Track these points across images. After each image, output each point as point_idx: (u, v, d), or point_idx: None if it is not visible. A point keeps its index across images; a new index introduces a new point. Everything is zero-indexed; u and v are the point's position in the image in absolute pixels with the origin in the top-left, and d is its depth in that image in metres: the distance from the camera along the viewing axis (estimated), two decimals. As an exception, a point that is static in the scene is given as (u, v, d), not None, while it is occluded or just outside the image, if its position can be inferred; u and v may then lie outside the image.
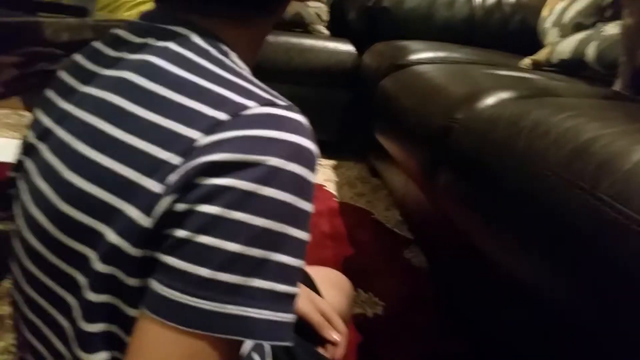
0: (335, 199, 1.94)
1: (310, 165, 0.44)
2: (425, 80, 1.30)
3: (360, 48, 2.36)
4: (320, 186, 2.04)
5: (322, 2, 2.85)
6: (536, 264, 0.63)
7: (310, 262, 0.94)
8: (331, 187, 2.06)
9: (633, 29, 1.13)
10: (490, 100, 0.96)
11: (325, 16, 2.84)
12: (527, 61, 1.59)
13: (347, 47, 2.45)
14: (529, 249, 0.64)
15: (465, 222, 0.87)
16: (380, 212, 1.84)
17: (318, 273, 0.84)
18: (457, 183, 0.88)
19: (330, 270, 0.92)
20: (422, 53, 1.73)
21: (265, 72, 2.34)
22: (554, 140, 0.62)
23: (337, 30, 2.80)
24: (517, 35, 2.16)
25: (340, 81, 2.41)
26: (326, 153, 2.50)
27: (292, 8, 2.65)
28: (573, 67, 1.43)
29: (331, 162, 2.44)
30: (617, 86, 1.17)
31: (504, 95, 0.98)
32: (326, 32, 2.66)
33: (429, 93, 1.16)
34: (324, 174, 2.23)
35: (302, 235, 0.43)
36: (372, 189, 2.09)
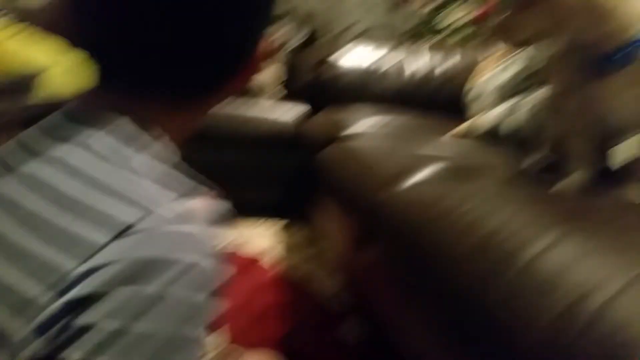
0: (274, 269, 1.94)
1: (202, 286, 0.42)
2: (356, 157, 1.39)
3: (311, 111, 2.47)
4: (260, 255, 2.05)
5: (275, 67, 2.96)
6: (437, 344, 0.67)
7: (245, 345, 0.97)
8: (272, 255, 2.07)
9: (554, 100, 1.17)
10: (413, 179, 1.05)
11: (281, 77, 2.93)
12: (456, 131, 1.71)
13: (296, 111, 2.54)
14: (431, 328, 0.69)
15: (384, 300, 0.91)
16: (322, 281, 1.84)
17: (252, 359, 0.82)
18: (381, 261, 0.93)
19: (266, 353, 0.93)
20: (359, 124, 1.85)
21: (209, 138, 2.42)
22: (461, 231, 0.69)
23: (286, 96, 2.91)
24: (447, 107, 2.29)
25: (289, 144, 2.48)
26: (272, 214, 2.51)
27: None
28: (494, 138, 1.54)
29: (277, 225, 2.46)
30: (533, 159, 1.25)
31: (426, 173, 1.07)
32: (280, 93, 2.76)
33: (359, 171, 1.26)
34: (267, 240, 2.25)
35: None
36: (316, 254, 2.10)
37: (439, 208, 0.80)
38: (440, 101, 2.33)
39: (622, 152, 1.12)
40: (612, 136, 1.02)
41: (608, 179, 1.00)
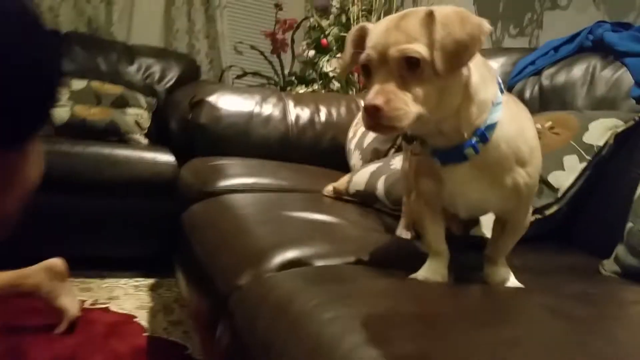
0: (145, 333, 1.79)
1: None
2: (221, 224, 1.26)
3: (182, 158, 2.31)
4: (129, 318, 1.88)
5: (143, 109, 2.79)
6: None
7: None
8: (143, 317, 1.90)
9: (408, 173, 1.20)
10: (272, 263, 0.96)
11: (145, 123, 2.77)
12: (329, 188, 1.65)
13: (166, 158, 2.40)
14: None
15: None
16: (196, 344, 1.72)
17: None
18: (230, 349, 0.83)
19: None
20: (231, 179, 1.73)
21: (72, 185, 2.26)
22: (311, 349, 0.60)
23: (159, 138, 2.76)
24: (329, 152, 2.26)
25: (159, 193, 2.34)
26: (144, 271, 2.37)
27: (107, 116, 2.55)
28: (367, 199, 1.49)
29: (149, 282, 2.29)
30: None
31: (287, 256, 0.97)
32: (144, 141, 2.57)
33: (221, 244, 1.13)
34: (138, 300, 2.07)
35: None
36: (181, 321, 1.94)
37: (290, 313, 0.72)
38: (324, 145, 2.28)
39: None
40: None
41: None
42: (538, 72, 1.74)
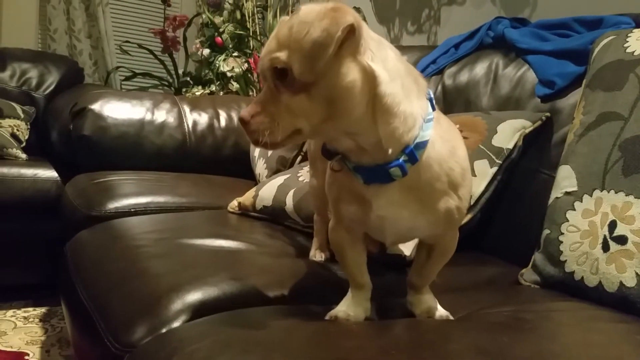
0: None
1: None
2: (109, 266, 1.10)
3: (66, 174, 2.10)
4: (19, 357, 1.67)
5: (20, 119, 2.52)
6: None
7: None
8: (36, 354, 1.71)
9: (320, 191, 1.11)
10: (171, 310, 0.84)
11: (23, 136, 2.51)
12: (234, 204, 1.53)
13: (48, 174, 2.18)
14: None
15: None
16: None
17: None
18: None
19: None
20: (122, 200, 1.56)
21: None
22: None
23: (40, 152, 2.51)
24: (232, 160, 2.14)
25: (42, 213, 2.12)
26: (34, 300, 2.14)
27: (-22, 130, 2.28)
28: (276, 215, 1.39)
29: (40, 312, 2.07)
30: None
31: (187, 301, 0.86)
32: (23, 155, 2.32)
33: (110, 288, 0.98)
34: (28, 334, 1.86)
35: None
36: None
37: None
38: (226, 153, 2.16)
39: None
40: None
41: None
42: (440, 72, 1.71)
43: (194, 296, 0.87)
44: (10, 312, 2.04)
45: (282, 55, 0.64)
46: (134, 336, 0.81)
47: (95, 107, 1.99)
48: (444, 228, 0.77)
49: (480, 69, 1.59)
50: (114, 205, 1.54)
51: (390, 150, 0.68)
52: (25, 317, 2.01)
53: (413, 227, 0.75)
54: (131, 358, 0.76)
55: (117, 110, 2.02)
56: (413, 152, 0.68)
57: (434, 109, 0.72)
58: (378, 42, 0.68)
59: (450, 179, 0.72)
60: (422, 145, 0.69)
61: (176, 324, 0.82)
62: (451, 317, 0.85)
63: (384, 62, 0.67)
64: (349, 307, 0.82)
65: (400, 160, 0.68)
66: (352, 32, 0.63)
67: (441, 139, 0.71)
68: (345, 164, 0.73)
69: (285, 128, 0.66)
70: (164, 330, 0.80)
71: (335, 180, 0.78)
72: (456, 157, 0.73)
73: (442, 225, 0.76)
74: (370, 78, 0.65)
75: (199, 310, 0.85)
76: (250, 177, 2.00)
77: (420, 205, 0.72)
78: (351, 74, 0.65)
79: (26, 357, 1.68)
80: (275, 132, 0.65)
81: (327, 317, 0.81)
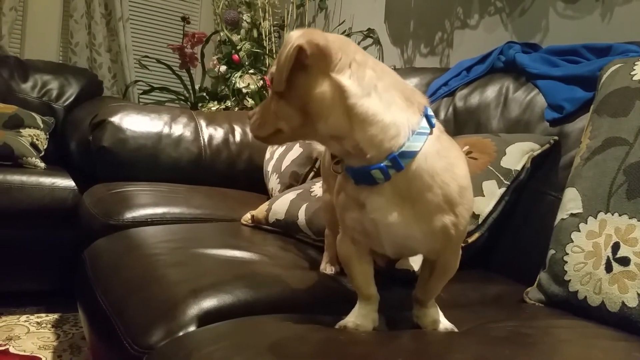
0: None
1: None
2: (127, 272, 1.15)
3: (83, 183, 2.15)
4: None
5: (40, 129, 2.59)
6: None
7: None
8: (48, 358, 1.75)
9: (332, 206, 1.15)
10: (187, 315, 0.87)
11: (42, 145, 2.57)
12: (247, 217, 1.57)
13: (65, 183, 2.22)
14: None
15: None
16: None
17: None
18: None
19: None
20: (139, 210, 1.60)
21: None
22: None
23: (58, 161, 2.57)
24: (245, 174, 2.18)
25: (59, 221, 2.17)
26: (47, 306, 2.18)
27: (-1, 139, 2.34)
28: (288, 228, 1.43)
29: (52, 318, 2.10)
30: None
31: (203, 307, 0.89)
32: (41, 164, 2.37)
33: (128, 294, 1.02)
34: (40, 339, 1.89)
35: None
36: None
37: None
38: (240, 167, 2.20)
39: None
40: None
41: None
42: (451, 94, 1.75)
43: (210, 302, 0.91)
44: (23, 317, 2.08)
45: (273, 68, 0.76)
46: (152, 339, 0.84)
47: (115, 119, 2.05)
48: (442, 243, 0.80)
49: (491, 92, 1.63)
50: (131, 214, 1.58)
51: (369, 155, 0.74)
52: (38, 323, 2.04)
53: (407, 236, 0.78)
54: (150, 359, 0.79)
55: (136, 123, 2.08)
56: (396, 159, 0.73)
57: (432, 125, 0.76)
58: (360, 64, 0.75)
59: (445, 193, 0.75)
60: (409, 154, 0.73)
61: (192, 328, 0.85)
62: (455, 330, 0.88)
63: (360, 79, 0.74)
64: (357, 318, 0.86)
65: (382, 164, 0.73)
66: (302, 52, 0.72)
67: (437, 154, 0.75)
68: (342, 166, 0.81)
69: (269, 126, 0.79)
70: (180, 334, 0.84)
71: (340, 189, 0.83)
72: (452, 174, 0.76)
73: (439, 240, 0.79)
74: (341, 91, 0.73)
75: (214, 316, 0.88)
76: (263, 192, 2.04)
77: (413, 214, 0.76)
78: (320, 86, 0.73)
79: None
80: (262, 129, 0.80)
81: (336, 327, 0.84)
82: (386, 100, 0.74)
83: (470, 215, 0.82)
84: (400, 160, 0.73)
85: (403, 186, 0.75)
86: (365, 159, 0.74)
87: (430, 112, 0.77)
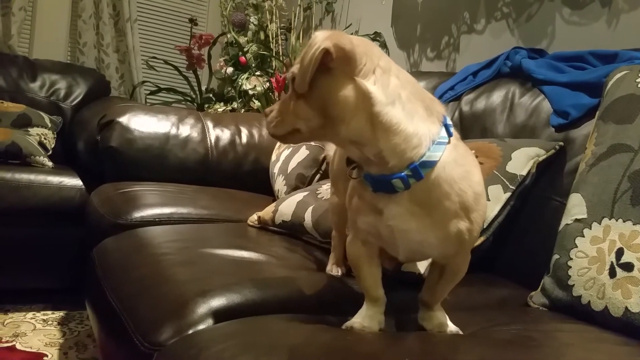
0: None
1: None
2: (136, 271, 1.16)
3: (91, 182, 2.17)
4: (39, 357, 1.73)
5: (47, 128, 2.61)
6: None
7: None
8: (54, 355, 1.76)
9: (339, 208, 1.16)
10: (196, 313, 0.89)
11: (50, 144, 2.59)
12: (254, 218, 1.59)
13: (73, 182, 2.24)
14: None
15: None
16: None
17: None
18: None
19: None
20: (146, 209, 1.62)
21: None
22: None
23: (66, 160, 2.59)
24: (251, 175, 2.20)
25: (67, 219, 2.18)
26: (53, 304, 2.20)
27: (7, 137, 2.35)
28: (295, 230, 1.44)
29: (58, 315, 2.12)
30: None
31: (212, 305, 0.91)
32: (49, 163, 2.39)
33: (137, 292, 1.04)
34: (47, 336, 1.91)
35: None
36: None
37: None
38: (246, 168, 2.22)
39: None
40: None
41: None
42: (457, 98, 1.76)
43: (219, 301, 0.92)
44: (30, 315, 2.10)
45: (295, 67, 0.76)
46: (162, 336, 0.86)
47: (123, 119, 2.07)
48: (455, 249, 0.81)
49: (497, 97, 1.64)
50: (139, 214, 1.59)
51: (390, 163, 0.74)
52: (44, 320, 2.06)
53: (423, 241, 0.80)
54: (161, 356, 0.81)
55: (144, 123, 2.09)
56: (417, 169, 0.74)
57: (450, 135, 0.77)
58: (385, 70, 0.76)
59: (462, 201, 0.76)
60: (429, 164, 0.74)
61: (202, 327, 0.87)
62: (461, 332, 0.89)
63: (385, 87, 0.74)
64: (364, 319, 0.87)
65: (403, 174, 0.74)
66: (328, 55, 0.72)
67: (455, 162, 0.76)
68: (359, 172, 0.80)
69: (287, 125, 0.78)
70: (190, 332, 0.85)
71: (354, 193, 0.84)
72: (469, 181, 0.77)
73: (453, 245, 0.80)
74: (366, 97, 0.73)
75: (223, 315, 0.90)
76: (268, 193, 2.06)
77: (430, 221, 0.77)
78: (343, 90, 0.73)
79: (45, 358, 1.73)
80: (279, 127, 0.79)
81: (343, 327, 0.86)
82: (409, 110, 0.74)
83: (483, 220, 0.83)
84: (420, 169, 0.74)
85: (421, 194, 0.75)
86: (385, 167, 0.75)
87: (449, 121, 0.78)
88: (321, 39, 0.72)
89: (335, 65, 0.73)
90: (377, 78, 0.74)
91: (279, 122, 0.79)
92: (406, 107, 0.74)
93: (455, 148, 0.77)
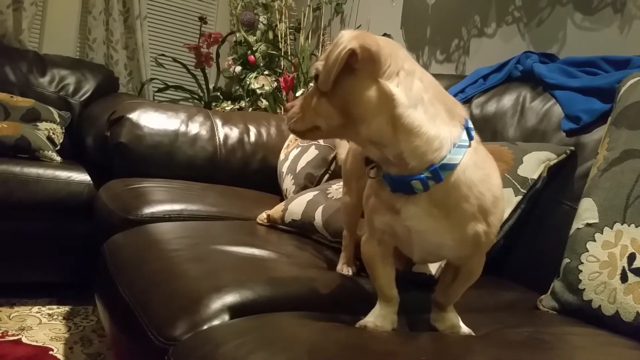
0: None
1: None
2: (148, 266, 1.16)
3: (99, 178, 2.18)
4: (44, 351, 1.73)
5: (56, 123, 2.61)
6: None
7: None
8: (59, 349, 1.77)
9: (351, 208, 1.18)
10: (210, 309, 0.89)
11: (58, 139, 2.59)
12: (263, 216, 1.59)
13: (81, 177, 2.25)
14: None
15: None
16: None
17: None
18: None
19: None
20: (156, 206, 1.62)
21: None
22: None
23: (74, 155, 2.59)
24: (259, 174, 2.20)
25: (75, 214, 2.19)
26: (59, 298, 2.21)
27: (16, 131, 2.36)
28: (305, 229, 1.45)
29: (64, 310, 2.13)
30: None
31: (225, 301, 0.91)
32: (57, 158, 2.40)
33: (150, 287, 1.04)
34: (52, 330, 1.92)
35: None
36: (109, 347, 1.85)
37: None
38: (254, 167, 2.22)
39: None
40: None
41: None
42: (468, 101, 1.77)
43: (233, 298, 0.93)
44: (35, 309, 2.10)
45: (319, 65, 0.77)
46: (176, 331, 0.86)
47: (133, 116, 2.07)
48: (471, 251, 0.81)
49: (507, 100, 1.64)
50: (149, 210, 1.60)
51: (410, 165, 0.74)
52: (49, 314, 2.07)
53: (440, 243, 0.80)
54: (176, 351, 0.81)
55: (153, 120, 2.10)
56: (437, 171, 0.74)
57: (471, 138, 0.77)
58: (409, 73, 0.76)
59: (480, 203, 0.77)
60: (449, 167, 0.74)
61: (216, 322, 0.87)
62: (473, 334, 0.90)
63: (408, 89, 0.74)
64: (377, 319, 0.87)
65: (423, 175, 0.74)
66: (354, 56, 0.72)
67: (475, 165, 0.77)
68: (378, 172, 0.81)
69: (307, 122, 0.79)
70: (205, 327, 0.85)
71: (371, 193, 0.84)
72: (488, 184, 0.78)
73: (469, 247, 0.80)
74: (389, 99, 0.74)
75: (237, 311, 0.90)
76: (276, 192, 2.06)
77: (448, 223, 0.77)
78: (366, 90, 0.74)
79: (50, 352, 1.74)
80: (300, 123, 0.80)
81: (356, 326, 0.86)
82: (431, 113, 0.75)
83: (500, 223, 0.83)
84: (440, 172, 0.74)
85: (440, 196, 0.76)
86: (405, 168, 0.75)
87: (470, 125, 0.79)
88: (347, 38, 0.73)
89: (359, 66, 0.73)
90: (400, 80, 0.74)
91: (299, 119, 0.80)
92: (428, 110, 0.75)
93: (475, 151, 0.78)
